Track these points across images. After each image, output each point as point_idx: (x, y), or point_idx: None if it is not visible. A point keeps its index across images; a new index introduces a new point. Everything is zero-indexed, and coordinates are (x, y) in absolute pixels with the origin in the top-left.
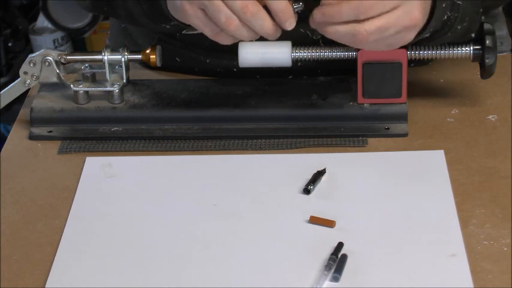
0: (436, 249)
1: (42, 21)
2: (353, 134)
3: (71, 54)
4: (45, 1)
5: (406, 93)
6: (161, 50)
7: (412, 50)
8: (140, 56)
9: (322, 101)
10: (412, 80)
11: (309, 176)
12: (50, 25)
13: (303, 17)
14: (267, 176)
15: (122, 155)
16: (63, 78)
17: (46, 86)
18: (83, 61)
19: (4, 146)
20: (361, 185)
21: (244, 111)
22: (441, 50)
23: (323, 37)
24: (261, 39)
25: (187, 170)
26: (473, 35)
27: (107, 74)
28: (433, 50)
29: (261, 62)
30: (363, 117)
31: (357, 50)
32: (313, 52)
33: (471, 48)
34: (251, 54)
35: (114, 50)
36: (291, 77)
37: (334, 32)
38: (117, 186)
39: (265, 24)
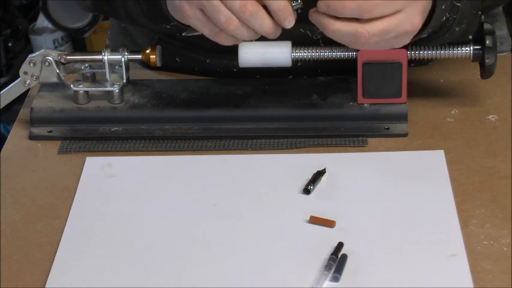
0: (436, 249)
1: (42, 21)
2: (353, 134)
3: (71, 54)
4: (45, 1)
5: (406, 93)
6: (161, 50)
7: (412, 50)
8: (140, 56)
9: (322, 101)
10: (412, 80)
11: (309, 176)
12: (50, 25)
13: (302, 17)
14: (267, 176)
15: (122, 155)
16: (63, 78)
17: (46, 86)
18: (83, 61)
19: (4, 146)
20: (361, 185)
21: (244, 111)
22: (441, 50)
23: (323, 37)
24: (261, 38)
25: (187, 170)
26: (470, 36)
27: (107, 74)
28: (433, 50)
29: (261, 62)
30: (363, 117)
31: (357, 50)
32: (313, 52)
33: (471, 48)
34: (251, 54)
35: (114, 50)
36: (291, 77)
37: (336, 30)
38: (117, 186)
39: (265, 23)
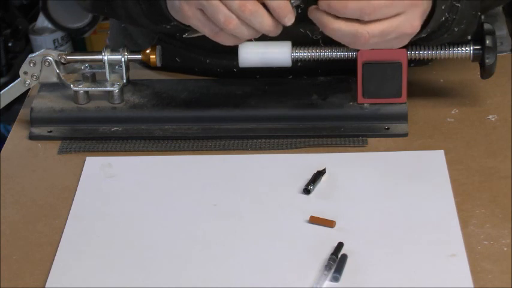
0: (436, 249)
1: (42, 21)
2: (353, 134)
3: (71, 54)
4: (45, 1)
5: (406, 93)
6: (161, 50)
7: (412, 50)
8: (140, 56)
9: (322, 101)
10: (412, 80)
11: (309, 176)
12: (50, 25)
13: (302, 17)
14: (267, 176)
15: (122, 155)
16: (63, 78)
17: (46, 86)
18: (83, 61)
19: (4, 146)
20: (361, 185)
21: (244, 111)
22: (441, 50)
23: (323, 37)
24: (262, 38)
25: (187, 170)
26: (469, 37)
27: (107, 74)
28: (433, 50)
29: (261, 62)
30: (363, 117)
31: (357, 50)
32: (313, 52)
33: (471, 48)
34: (251, 54)
35: (114, 50)
36: (291, 77)
37: (336, 29)
38: (117, 186)
39: (265, 21)
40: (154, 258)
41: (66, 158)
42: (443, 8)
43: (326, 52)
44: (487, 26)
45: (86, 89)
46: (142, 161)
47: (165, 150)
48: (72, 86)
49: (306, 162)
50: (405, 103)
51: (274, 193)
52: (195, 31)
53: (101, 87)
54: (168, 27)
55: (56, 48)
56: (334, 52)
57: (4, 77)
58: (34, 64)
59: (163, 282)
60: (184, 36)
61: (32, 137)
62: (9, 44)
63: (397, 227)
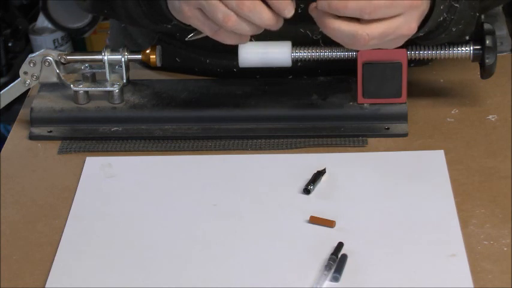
0: (436, 249)
1: (42, 21)
2: (353, 134)
3: (71, 54)
4: (45, 1)
5: (406, 93)
6: (161, 50)
7: (412, 50)
8: (140, 56)
9: (322, 101)
10: (412, 80)
11: (309, 176)
12: (50, 25)
13: (302, 17)
14: (267, 176)
15: (122, 155)
16: (63, 78)
17: (46, 86)
18: (83, 61)
19: (4, 146)
20: (361, 185)
21: (244, 111)
22: (441, 50)
23: (323, 37)
24: (263, 36)
25: (187, 170)
26: (467, 37)
27: (107, 74)
28: (433, 50)
29: (261, 62)
30: (363, 117)
31: (357, 50)
32: (313, 52)
33: (471, 48)
34: (251, 54)
35: (114, 50)
36: (291, 77)
37: (336, 29)
38: (117, 186)
39: (264, 16)
40: (154, 258)
41: (66, 158)
42: (441, 8)
43: (326, 52)
44: (487, 26)
45: (86, 89)
46: (142, 161)
47: (165, 150)
48: (72, 86)
49: (306, 162)
50: (405, 103)
51: (274, 193)
52: (198, 33)
53: (101, 87)
54: (169, 26)
55: (56, 48)
56: (334, 52)
57: (4, 77)
58: (34, 64)
59: (163, 282)
60: (186, 39)
61: (32, 137)
62: (9, 44)
63: (397, 227)
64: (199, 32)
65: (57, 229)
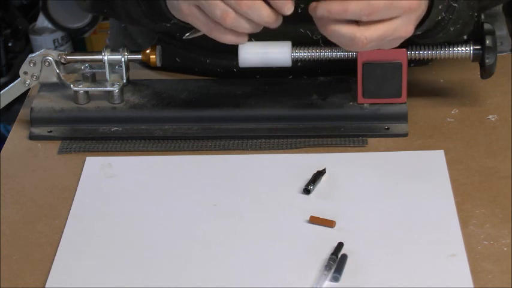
0: (436, 249)
1: (42, 21)
2: (353, 134)
3: (71, 54)
4: (45, 1)
5: (406, 93)
6: (161, 50)
7: (412, 50)
8: (140, 56)
9: (322, 101)
10: (412, 80)
11: (309, 176)
12: (50, 25)
13: (302, 17)
14: (267, 176)
15: (122, 155)
16: (63, 78)
17: (46, 86)
18: (83, 61)
19: (4, 146)
20: (361, 185)
21: (244, 111)
22: (441, 50)
23: (323, 37)
24: (263, 36)
25: (187, 170)
26: (465, 37)
27: (107, 74)
28: (433, 50)
29: (261, 62)
30: (363, 117)
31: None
32: (313, 52)
33: (471, 48)
34: (251, 54)
35: (114, 50)
36: (291, 77)
37: (336, 31)
38: (117, 186)
39: (263, 13)
40: (154, 258)
41: (66, 158)
42: (440, 7)
43: (326, 52)
44: (487, 26)
45: (86, 89)
46: (142, 161)
47: (165, 150)
48: (72, 86)
49: (306, 162)
50: (405, 103)
51: (274, 193)
52: (195, 31)
53: (101, 87)
54: (168, 25)
55: (56, 48)
56: (334, 52)
57: (4, 77)
58: (34, 64)
59: (163, 282)
60: (184, 37)
61: (32, 137)
62: (9, 44)
63: (397, 227)
64: (197, 31)
65: (57, 229)
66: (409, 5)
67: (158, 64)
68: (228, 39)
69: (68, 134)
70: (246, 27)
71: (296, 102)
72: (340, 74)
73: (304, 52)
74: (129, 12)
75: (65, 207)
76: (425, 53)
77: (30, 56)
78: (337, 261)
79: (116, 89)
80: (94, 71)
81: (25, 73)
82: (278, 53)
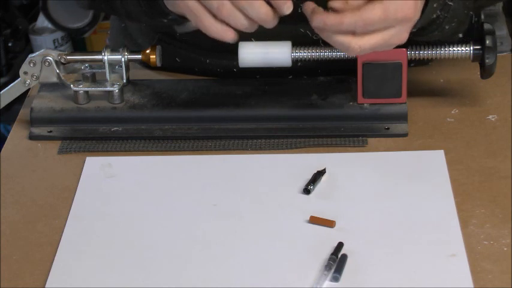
0: (436, 249)
1: (42, 21)
2: (353, 134)
3: (71, 54)
4: (45, 1)
5: (406, 93)
6: (161, 50)
7: (412, 50)
8: (140, 56)
9: (322, 101)
10: (412, 80)
11: (309, 176)
12: (50, 25)
13: (302, 17)
14: (267, 176)
15: (122, 155)
16: (63, 78)
17: (46, 86)
18: (83, 61)
19: (4, 146)
20: (361, 185)
21: (244, 111)
22: (441, 50)
23: None
24: (263, 36)
25: (187, 170)
26: (460, 35)
27: (107, 74)
28: (433, 50)
29: (261, 62)
30: (363, 117)
31: None
32: (313, 52)
33: (471, 48)
34: (251, 54)
35: (114, 50)
36: (291, 77)
37: (331, 38)
38: (117, 186)
39: (261, 10)
40: (154, 258)
41: (66, 158)
42: (435, 6)
43: (326, 52)
44: (487, 26)
45: (86, 89)
46: (142, 161)
47: (165, 150)
48: (72, 86)
49: (306, 162)
50: (405, 103)
51: (274, 193)
52: (189, 26)
53: (101, 87)
54: (165, 21)
55: (56, 48)
56: (334, 52)
57: (4, 77)
58: (34, 64)
59: (163, 282)
60: (178, 32)
61: (32, 137)
62: (9, 44)
63: (397, 227)
64: (191, 25)
65: (57, 229)
66: (405, 15)
67: (158, 64)
68: (215, 29)
69: (68, 134)
70: (241, 23)
71: (296, 102)
72: (340, 74)
73: (304, 52)
74: (127, 8)
75: (65, 207)
76: (425, 53)
77: (30, 56)
78: (337, 261)
79: (116, 89)
80: (94, 71)
81: (25, 73)
82: (278, 53)
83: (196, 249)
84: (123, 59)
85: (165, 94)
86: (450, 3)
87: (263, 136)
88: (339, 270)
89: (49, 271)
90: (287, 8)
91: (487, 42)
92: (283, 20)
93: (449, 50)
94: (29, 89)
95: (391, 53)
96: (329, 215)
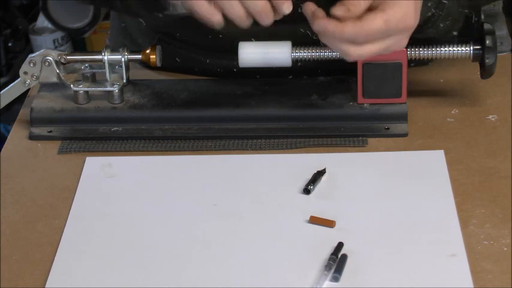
0: (436, 249)
1: (42, 21)
2: (353, 134)
3: (71, 54)
4: (45, 1)
5: (406, 93)
6: (161, 50)
7: (412, 50)
8: (140, 56)
9: (322, 101)
10: (412, 80)
11: (309, 176)
12: (50, 25)
13: (303, 17)
14: (267, 176)
15: (122, 155)
16: (63, 78)
17: (46, 86)
18: (83, 61)
19: (4, 146)
20: (361, 185)
21: (244, 111)
22: (441, 50)
23: None
24: (263, 36)
25: (187, 170)
26: (455, 33)
27: (107, 74)
28: (433, 50)
29: (261, 62)
30: (363, 117)
31: None
32: (313, 52)
33: (471, 48)
34: (251, 54)
35: (114, 50)
36: (291, 77)
37: (331, 44)
38: (117, 186)
39: (259, 3)
40: (154, 258)
41: (66, 158)
42: (429, 5)
43: (326, 52)
44: (487, 26)
45: (86, 89)
46: (142, 161)
47: (165, 150)
48: (72, 86)
49: (306, 162)
50: (405, 103)
51: (274, 193)
52: (180, 8)
53: (101, 87)
54: (161, 15)
55: (56, 48)
56: (334, 52)
57: (4, 77)
58: (34, 64)
59: (163, 282)
60: (166, 13)
61: (32, 137)
62: (9, 44)
63: (397, 227)
64: (180, 8)
65: (57, 229)
66: (406, 26)
67: (158, 64)
68: (204, 9)
69: (68, 134)
70: (236, 11)
71: (296, 102)
72: (340, 74)
73: (304, 52)
74: (125, 3)
75: (65, 207)
76: (425, 53)
77: (30, 56)
78: (337, 261)
79: (116, 89)
80: (94, 71)
81: (25, 73)
82: (278, 53)
83: (196, 249)
84: (123, 59)
85: (165, 94)
86: (445, 1)
87: (263, 136)
88: (339, 270)
89: (49, 271)
90: (286, 8)
91: (487, 42)
92: (283, 20)
93: (449, 50)
94: (29, 89)
95: (391, 53)
96: (329, 215)
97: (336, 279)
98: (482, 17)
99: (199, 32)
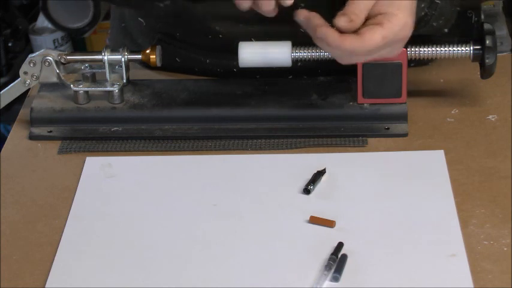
0: (436, 249)
1: (42, 21)
2: (353, 134)
3: (71, 54)
4: (45, 1)
5: (406, 93)
6: (161, 50)
7: (412, 50)
8: (140, 56)
9: (322, 101)
10: (412, 80)
11: (309, 176)
12: (50, 25)
13: None
14: (267, 176)
15: (122, 155)
16: (63, 78)
17: (46, 86)
18: (83, 61)
19: (4, 146)
20: (361, 185)
21: (244, 111)
22: (441, 50)
23: None
24: (263, 36)
25: (187, 170)
26: (446, 30)
27: (107, 74)
28: (433, 50)
29: (261, 62)
30: (363, 117)
31: None
32: (313, 52)
33: (471, 48)
34: (251, 54)
35: (114, 50)
36: (291, 77)
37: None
38: (117, 186)
39: None
40: (154, 258)
41: (66, 158)
42: (422, 6)
43: (326, 52)
44: (487, 26)
45: (86, 89)
46: (142, 161)
47: (165, 150)
48: (72, 86)
49: (306, 162)
50: (405, 103)
51: (274, 193)
52: None
53: (101, 87)
54: (162, 5)
55: (56, 48)
56: None
57: (4, 77)
58: (34, 64)
59: (163, 282)
60: (166, 2)
61: (32, 137)
62: (9, 44)
63: (397, 227)
64: None
65: (57, 229)
66: (402, 37)
67: (158, 64)
68: None
69: (68, 134)
70: None
71: (296, 102)
72: (340, 74)
73: (304, 52)
74: None
75: (65, 207)
76: (425, 53)
77: (30, 56)
78: (337, 261)
79: (116, 89)
80: (94, 71)
81: (25, 73)
82: (278, 53)
83: (196, 249)
84: (123, 59)
85: (165, 94)
86: (437, 1)
87: (263, 136)
88: (339, 270)
89: (49, 271)
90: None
91: (487, 42)
92: (283, 20)
93: (449, 50)
94: (29, 89)
95: None
96: (329, 215)
97: (336, 279)
98: (482, 17)
99: (199, 32)
